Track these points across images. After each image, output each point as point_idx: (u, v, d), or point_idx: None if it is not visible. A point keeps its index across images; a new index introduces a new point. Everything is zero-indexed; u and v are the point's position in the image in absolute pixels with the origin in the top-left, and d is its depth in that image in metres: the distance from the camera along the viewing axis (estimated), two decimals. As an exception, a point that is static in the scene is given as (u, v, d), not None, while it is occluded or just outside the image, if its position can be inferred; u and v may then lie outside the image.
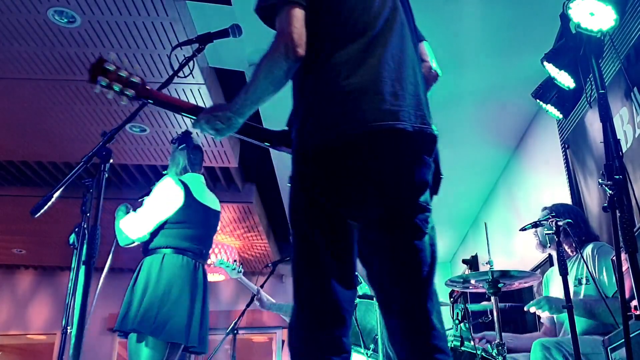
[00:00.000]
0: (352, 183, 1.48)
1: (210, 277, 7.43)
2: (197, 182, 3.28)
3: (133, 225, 3.05)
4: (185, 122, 5.01)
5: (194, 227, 3.17)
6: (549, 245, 3.16)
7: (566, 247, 3.07)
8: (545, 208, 3.24)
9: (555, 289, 3.17)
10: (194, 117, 1.76)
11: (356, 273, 1.55)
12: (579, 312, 2.76)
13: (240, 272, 4.40)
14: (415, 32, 1.75)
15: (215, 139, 1.74)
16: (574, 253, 3.07)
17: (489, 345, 2.87)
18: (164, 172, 3.39)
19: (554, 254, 2.66)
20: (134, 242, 3.08)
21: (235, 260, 4.51)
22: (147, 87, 1.81)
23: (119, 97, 1.93)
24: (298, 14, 1.55)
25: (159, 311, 2.86)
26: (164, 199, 3.10)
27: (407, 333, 1.53)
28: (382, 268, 1.57)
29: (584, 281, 2.92)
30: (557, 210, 3.11)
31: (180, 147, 3.36)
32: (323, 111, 1.49)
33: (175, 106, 1.86)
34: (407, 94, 1.50)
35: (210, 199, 3.33)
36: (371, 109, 1.44)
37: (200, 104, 4.70)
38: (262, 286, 4.75)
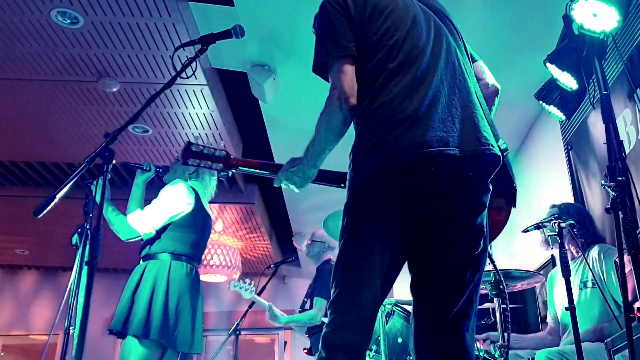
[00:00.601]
0: (406, 207, 1.54)
1: (212, 278, 7.44)
2: (201, 189, 3.32)
3: (142, 220, 3.05)
4: (187, 124, 5.02)
5: (197, 232, 3.23)
6: (551, 247, 3.15)
7: (572, 248, 3.05)
8: (553, 206, 3.22)
9: (559, 290, 3.16)
10: (274, 176, 1.87)
11: None
12: (591, 337, 2.74)
13: (253, 291, 4.58)
14: (467, 54, 1.81)
15: (297, 191, 1.83)
16: (579, 254, 3.05)
17: (491, 347, 2.87)
18: (163, 175, 3.39)
19: (558, 254, 2.65)
20: (138, 237, 3.08)
21: (249, 282, 4.63)
22: (231, 157, 1.99)
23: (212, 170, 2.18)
24: (347, 66, 1.66)
25: (176, 322, 2.93)
26: (177, 201, 3.12)
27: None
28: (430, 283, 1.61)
29: (589, 284, 2.90)
30: (564, 210, 3.10)
31: None
32: (375, 142, 1.55)
33: (259, 169, 2.00)
34: (456, 119, 1.55)
35: (207, 205, 3.38)
36: (420, 137, 1.51)
37: (203, 104, 4.71)
38: (264, 287, 4.75)
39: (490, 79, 1.86)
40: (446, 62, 1.67)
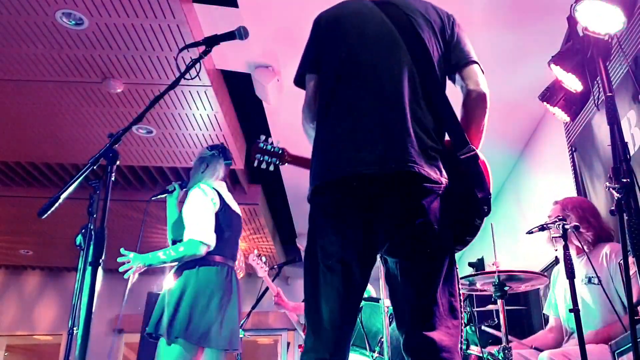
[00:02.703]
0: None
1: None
2: (224, 189, 3.33)
3: (202, 232, 3.03)
4: (191, 125, 5.03)
5: (228, 230, 3.22)
6: (556, 248, 3.13)
7: (580, 243, 3.02)
8: (556, 202, 3.21)
9: (560, 288, 3.15)
10: None
11: None
12: (594, 341, 2.73)
13: (267, 271, 4.62)
14: (435, 66, 1.80)
15: None
16: (582, 253, 3.03)
17: (495, 349, 2.86)
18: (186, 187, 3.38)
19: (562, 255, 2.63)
20: (208, 246, 3.06)
21: (264, 261, 4.65)
22: (288, 153, 2.29)
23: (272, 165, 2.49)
24: (309, 82, 1.91)
25: (203, 320, 2.94)
26: (207, 203, 3.13)
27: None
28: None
29: (595, 281, 2.88)
30: (566, 206, 3.08)
31: (226, 163, 3.40)
32: (314, 161, 1.76)
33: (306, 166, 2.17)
34: (373, 140, 1.65)
35: (234, 204, 3.37)
36: (337, 159, 1.66)
37: (207, 105, 4.72)
38: (267, 288, 4.75)
39: (473, 84, 1.81)
40: (390, 82, 1.72)
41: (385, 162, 1.62)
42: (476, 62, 1.85)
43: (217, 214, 3.15)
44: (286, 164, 2.31)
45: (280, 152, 2.40)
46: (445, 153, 1.72)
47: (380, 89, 1.71)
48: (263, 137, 2.55)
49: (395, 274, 1.70)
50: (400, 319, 1.69)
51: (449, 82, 1.89)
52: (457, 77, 1.85)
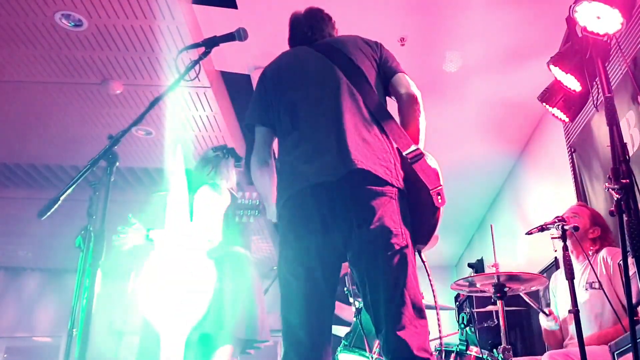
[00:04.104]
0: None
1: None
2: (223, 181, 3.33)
3: (206, 235, 3.02)
4: (191, 127, 5.03)
5: (242, 222, 3.22)
6: (555, 249, 3.13)
7: (582, 248, 3.02)
8: (583, 205, 3.27)
9: (563, 291, 3.15)
10: None
11: None
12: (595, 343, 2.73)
13: None
14: (367, 79, 2.01)
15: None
16: (584, 259, 3.02)
17: (495, 350, 2.86)
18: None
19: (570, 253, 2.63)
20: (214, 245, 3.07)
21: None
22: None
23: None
24: (258, 133, 2.10)
25: (223, 311, 2.92)
26: (216, 203, 3.12)
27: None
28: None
29: (596, 285, 2.88)
30: (595, 218, 3.12)
31: (237, 165, 3.40)
32: (277, 185, 1.97)
33: None
34: (323, 154, 1.83)
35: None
36: (293, 176, 1.86)
37: (206, 107, 4.72)
38: (267, 289, 4.74)
39: (403, 89, 2.02)
40: (335, 106, 1.92)
41: (334, 168, 1.78)
42: (403, 72, 2.07)
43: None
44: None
45: (258, 203, 2.55)
46: (395, 156, 1.86)
47: (327, 116, 1.91)
48: (240, 194, 2.63)
49: (361, 280, 1.77)
50: (375, 323, 1.76)
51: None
52: (390, 87, 2.06)
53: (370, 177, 1.76)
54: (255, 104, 2.13)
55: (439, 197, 1.79)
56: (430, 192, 1.78)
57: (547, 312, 3.11)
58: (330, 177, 1.77)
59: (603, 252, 2.94)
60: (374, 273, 1.73)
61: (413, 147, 1.85)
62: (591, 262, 2.91)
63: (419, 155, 1.84)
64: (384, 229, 1.72)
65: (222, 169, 3.30)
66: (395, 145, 1.88)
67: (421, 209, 1.81)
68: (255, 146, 2.09)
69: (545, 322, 3.15)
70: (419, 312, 1.71)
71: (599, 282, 2.80)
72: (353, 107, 1.92)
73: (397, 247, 1.72)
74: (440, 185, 1.81)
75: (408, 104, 1.99)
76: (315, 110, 1.95)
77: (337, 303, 4.04)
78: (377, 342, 3.04)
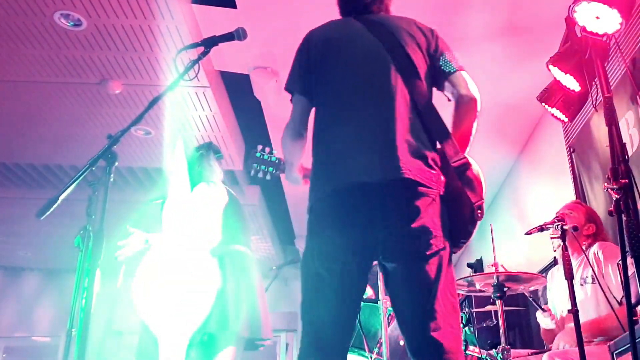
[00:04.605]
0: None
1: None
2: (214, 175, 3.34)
3: (206, 234, 3.01)
4: (190, 126, 5.02)
5: (242, 220, 3.23)
6: (554, 249, 3.14)
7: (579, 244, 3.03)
8: (579, 203, 3.27)
9: (558, 289, 3.16)
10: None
11: None
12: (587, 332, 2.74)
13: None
14: (421, 74, 1.89)
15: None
16: (581, 254, 3.04)
17: (494, 350, 2.86)
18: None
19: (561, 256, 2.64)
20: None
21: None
22: (283, 162, 2.31)
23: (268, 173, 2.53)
24: (297, 103, 2.00)
25: (223, 309, 2.92)
26: (214, 200, 3.12)
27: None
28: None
29: (589, 280, 2.90)
30: (590, 215, 3.12)
31: (217, 156, 3.41)
32: (314, 174, 1.85)
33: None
34: (369, 151, 1.75)
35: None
36: (336, 171, 1.76)
37: (205, 106, 4.72)
38: (267, 289, 4.73)
39: (464, 90, 1.90)
40: (382, 98, 1.82)
41: (379, 171, 1.71)
42: (463, 69, 1.94)
43: (227, 207, 3.15)
44: (282, 173, 2.36)
45: (277, 161, 2.46)
46: (440, 161, 1.79)
47: (373, 105, 1.82)
48: (260, 147, 2.60)
49: (395, 279, 1.74)
50: (403, 323, 1.72)
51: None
52: (447, 84, 1.93)
53: (415, 183, 1.71)
54: (297, 70, 2.02)
55: (479, 211, 1.76)
56: (472, 206, 1.75)
57: (544, 308, 3.12)
58: (373, 179, 1.71)
59: (595, 247, 2.96)
60: (410, 272, 1.70)
61: (461, 156, 1.80)
62: (587, 257, 2.92)
63: (466, 165, 1.79)
64: (424, 230, 1.69)
65: (211, 165, 3.32)
66: (438, 146, 1.82)
67: (457, 220, 1.78)
68: (292, 115, 2.00)
69: (542, 320, 3.16)
70: (454, 310, 1.69)
71: (594, 275, 2.80)
72: (401, 104, 1.82)
73: (435, 249, 1.69)
74: (482, 200, 1.78)
75: (467, 107, 1.89)
76: (361, 100, 1.85)
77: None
78: (376, 342, 3.04)
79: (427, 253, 1.69)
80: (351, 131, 1.80)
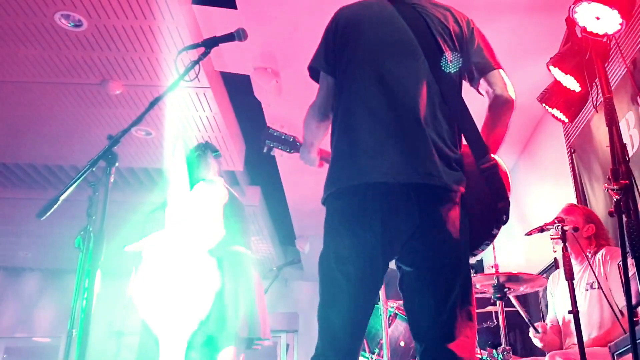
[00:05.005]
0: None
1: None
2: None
3: (207, 232, 3.02)
4: (190, 127, 5.02)
5: (242, 220, 3.23)
6: (554, 250, 3.13)
7: (582, 249, 3.02)
8: (576, 206, 3.25)
9: (560, 294, 3.15)
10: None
11: None
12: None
13: None
14: (452, 71, 1.81)
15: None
16: (583, 260, 3.02)
17: (494, 351, 2.86)
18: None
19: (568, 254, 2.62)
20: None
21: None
22: (298, 141, 2.27)
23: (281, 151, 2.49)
24: (324, 82, 1.89)
25: (222, 311, 2.95)
26: (215, 197, 3.12)
27: None
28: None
29: (595, 285, 2.89)
30: (589, 216, 3.11)
31: (215, 155, 3.41)
32: (334, 165, 1.76)
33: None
34: (394, 150, 1.66)
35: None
36: (358, 166, 1.67)
37: (206, 107, 4.72)
38: (266, 290, 4.73)
39: (500, 89, 1.82)
40: (410, 92, 1.72)
41: (405, 172, 1.63)
42: (502, 68, 1.86)
43: (226, 205, 3.16)
44: (296, 152, 2.29)
45: (292, 140, 2.40)
46: (463, 161, 1.72)
47: (400, 99, 1.72)
48: (278, 125, 2.56)
49: (412, 283, 1.69)
50: (418, 329, 1.68)
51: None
52: (483, 82, 1.85)
53: (440, 189, 1.65)
54: (324, 48, 1.90)
55: (505, 216, 1.71)
56: (497, 209, 1.70)
57: (538, 329, 3.07)
58: (396, 180, 1.64)
59: (602, 252, 2.94)
60: (430, 279, 1.65)
61: (491, 157, 1.73)
62: (590, 263, 2.92)
63: (494, 167, 1.72)
64: (448, 236, 1.64)
65: (209, 164, 3.32)
66: (464, 144, 1.76)
67: (480, 223, 1.73)
68: (319, 94, 1.90)
69: (533, 338, 3.12)
70: (470, 318, 1.64)
71: (598, 282, 2.80)
72: (430, 101, 1.73)
73: (457, 256, 1.66)
74: (509, 203, 1.72)
75: (503, 109, 1.81)
76: (388, 91, 1.73)
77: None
78: (376, 343, 3.03)
79: (448, 260, 1.64)
80: (378, 125, 1.70)
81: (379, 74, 1.76)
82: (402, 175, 1.63)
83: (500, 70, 1.86)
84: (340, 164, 1.72)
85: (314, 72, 1.93)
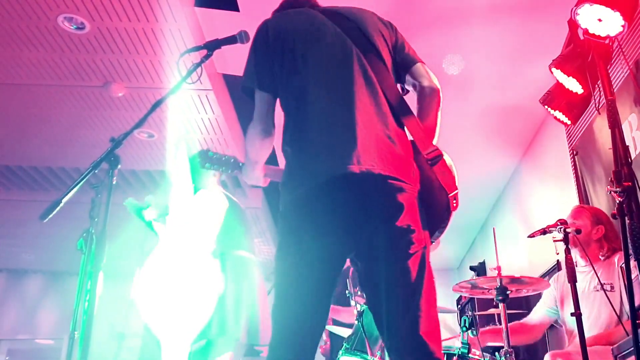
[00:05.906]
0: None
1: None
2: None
3: (207, 240, 3.04)
4: (193, 129, 5.03)
5: (244, 225, 3.24)
6: (557, 252, 3.13)
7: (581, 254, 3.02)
8: (584, 207, 3.24)
9: (568, 297, 3.14)
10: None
11: None
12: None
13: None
14: (384, 62, 1.88)
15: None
16: (597, 261, 3.01)
17: (496, 354, 2.85)
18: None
19: (574, 257, 2.61)
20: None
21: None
22: (239, 161, 2.23)
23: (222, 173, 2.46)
24: (260, 99, 1.92)
25: (222, 314, 2.95)
26: (215, 206, 3.13)
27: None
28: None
29: (608, 287, 2.87)
30: (599, 217, 3.09)
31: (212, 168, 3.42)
32: (289, 170, 1.80)
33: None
34: (346, 147, 1.70)
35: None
36: (314, 167, 1.72)
37: (208, 109, 4.73)
38: (269, 292, 4.73)
39: (426, 81, 1.91)
40: (353, 92, 1.78)
41: (359, 165, 1.67)
42: (423, 62, 1.95)
43: (228, 211, 3.17)
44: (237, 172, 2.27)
45: (232, 160, 2.36)
46: (411, 153, 1.79)
47: (346, 99, 1.77)
48: (213, 150, 2.59)
49: (375, 279, 1.71)
50: (387, 323, 1.69)
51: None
52: (408, 76, 1.94)
53: (391, 178, 1.68)
54: (256, 65, 1.94)
55: (454, 201, 1.76)
56: (448, 196, 1.75)
57: None
58: (355, 173, 1.67)
59: (618, 256, 2.93)
60: (395, 272, 1.67)
61: (433, 148, 1.78)
62: (594, 266, 2.90)
63: (439, 157, 1.78)
64: (407, 228, 1.67)
65: (209, 173, 3.32)
66: (410, 139, 1.82)
67: (434, 211, 1.78)
68: (256, 113, 1.92)
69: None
70: (435, 307, 1.68)
71: (611, 285, 2.79)
72: (370, 97, 1.80)
73: (419, 246, 1.69)
74: (457, 189, 1.77)
75: (430, 98, 1.89)
76: (328, 94, 1.80)
77: (334, 307, 4.04)
78: (378, 345, 3.03)
79: (411, 251, 1.67)
80: (319, 136, 1.75)
81: (323, 82, 1.81)
82: (357, 169, 1.67)
83: (424, 64, 1.94)
84: (297, 167, 1.77)
85: (247, 92, 1.96)
